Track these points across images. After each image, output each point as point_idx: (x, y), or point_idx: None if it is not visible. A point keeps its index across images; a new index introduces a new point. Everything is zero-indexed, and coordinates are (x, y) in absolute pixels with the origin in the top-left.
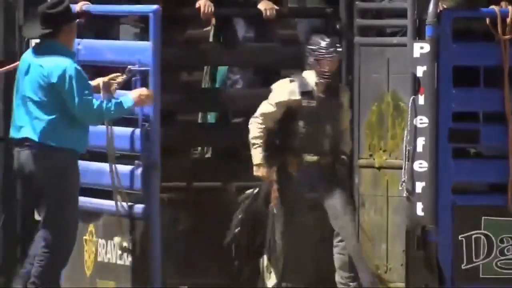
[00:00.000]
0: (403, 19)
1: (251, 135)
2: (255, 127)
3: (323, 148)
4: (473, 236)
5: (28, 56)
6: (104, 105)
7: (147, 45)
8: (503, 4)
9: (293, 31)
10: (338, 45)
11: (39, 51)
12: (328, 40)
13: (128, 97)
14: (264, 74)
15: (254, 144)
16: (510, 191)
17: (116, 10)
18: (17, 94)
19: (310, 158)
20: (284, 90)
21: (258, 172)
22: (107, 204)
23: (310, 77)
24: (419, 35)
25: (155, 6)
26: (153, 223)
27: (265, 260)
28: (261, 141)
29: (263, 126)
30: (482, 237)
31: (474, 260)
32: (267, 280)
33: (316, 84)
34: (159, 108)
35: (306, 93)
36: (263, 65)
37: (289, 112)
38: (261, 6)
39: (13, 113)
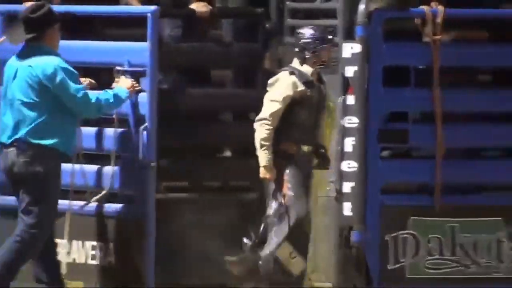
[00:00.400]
0: (333, 20)
1: (259, 137)
2: (263, 129)
3: (316, 138)
4: (401, 236)
5: (13, 62)
6: (101, 96)
7: (145, 45)
8: (433, 4)
9: (221, 32)
10: (330, 29)
11: (25, 54)
12: (318, 29)
13: (122, 88)
14: (194, 74)
15: (262, 146)
16: (436, 191)
17: (113, 10)
18: (5, 99)
19: (307, 148)
20: (287, 84)
21: (266, 174)
22: (76, 204)
23: (304, 67)
24: (350, 35)
25: (153, 7)
26: (148, 223)
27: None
28: (269, 143)
29: (271, 127)
30: (410, 237)
31: (401, 260)
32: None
33: (312, 73)
34: (156, 108)
35: (307, 83)
36: (191, 65)
37: (291, 104)
38: (194, 5)
39: (0, 120)
